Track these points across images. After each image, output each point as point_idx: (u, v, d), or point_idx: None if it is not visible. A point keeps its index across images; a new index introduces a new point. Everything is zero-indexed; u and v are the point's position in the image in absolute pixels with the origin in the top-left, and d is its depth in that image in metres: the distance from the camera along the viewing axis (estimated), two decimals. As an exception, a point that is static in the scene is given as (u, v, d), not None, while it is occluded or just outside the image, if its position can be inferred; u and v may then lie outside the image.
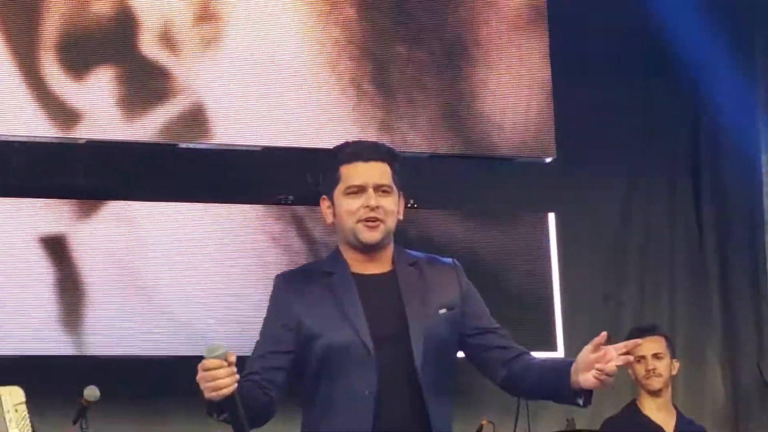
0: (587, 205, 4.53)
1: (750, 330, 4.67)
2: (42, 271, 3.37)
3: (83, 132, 3.49)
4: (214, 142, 3.67)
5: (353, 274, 1.59)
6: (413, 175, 4.01)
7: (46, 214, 3.43)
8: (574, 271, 4.29)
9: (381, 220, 1.53)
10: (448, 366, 1.61)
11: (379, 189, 1.55)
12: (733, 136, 4.70)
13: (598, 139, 4.46)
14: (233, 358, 1.22)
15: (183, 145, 3.62)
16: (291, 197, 3.58)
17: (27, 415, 2.81)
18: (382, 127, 3.87)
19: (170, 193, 3.67)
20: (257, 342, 1.60)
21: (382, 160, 1.60)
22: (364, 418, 1.47)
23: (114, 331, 3.40)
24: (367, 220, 1.53)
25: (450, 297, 1.59)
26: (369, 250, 1.58)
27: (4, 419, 2.80)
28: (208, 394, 1.22)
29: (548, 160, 4.09)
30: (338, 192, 1.56)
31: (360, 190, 1.54)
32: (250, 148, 3.73)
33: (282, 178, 3.82)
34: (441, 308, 1.55)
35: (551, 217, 4.13)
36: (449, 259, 1.73)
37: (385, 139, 3.35)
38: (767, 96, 4.67)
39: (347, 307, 1.54)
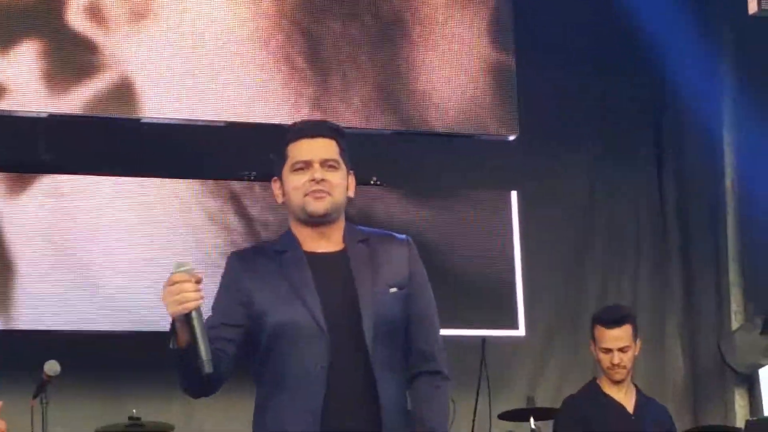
0: (551, 184, 4.53)
1: (710, 311, 4.82)
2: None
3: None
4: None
5: (305, 252, 1.60)
6: (376, 152, 4.03)
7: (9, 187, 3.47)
8: (537, 249, 4.30)
9: (327, 192, 1.55)
10: (399, 343, 1.60)
11: (325, 164, 1.57)
12: (696, 116, 4.78)
13: (562, 119, 4.51)
14: (199, 277, 1.29)
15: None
16: (254, 173, 3.58)
17: None
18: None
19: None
20: (209, 316, 1.53)
21: (328, 136, 1.63)
22: (315, 392, 1.48)
23: (72, 306, 3.44)
24: (314, 192, 1.55)
25: (400, 275, 1.60)
26: (317, 222, 1.59)
27: None
28: (173, 309, 1.26)
29: (511, 138, 4.09)
30: (286, 170, 1.58)
31: (306, 165, 1.57)
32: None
33: (222, 153, 3.86)
34: (391, 287, 1.56)
35: (514, 195, 4.14)
36: (403, 236, 1.71)
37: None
38: (731, 80, 4.77)
39: (299, 284, 1.55)
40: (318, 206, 1.55)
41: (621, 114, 4.81)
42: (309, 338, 1.50)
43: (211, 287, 1.53)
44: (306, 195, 1.55)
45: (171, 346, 1.32)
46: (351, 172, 1.66)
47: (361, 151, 3.82)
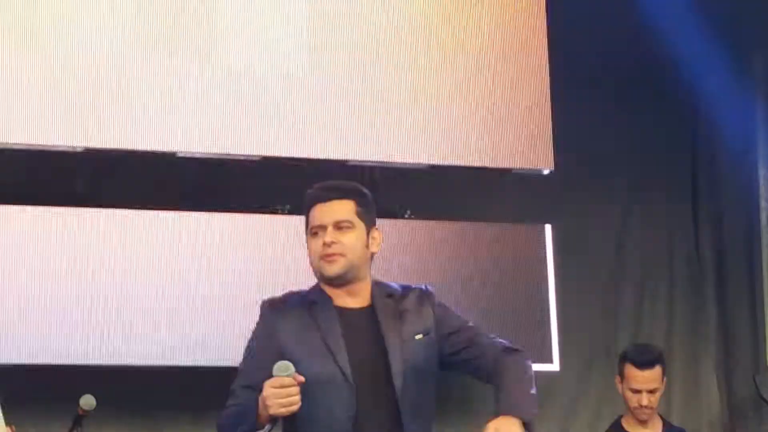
0: (586, 218, 4.51)
1: (746, 344, 4.66)
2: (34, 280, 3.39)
3: (81, 141, 3.50)
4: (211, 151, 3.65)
5: (335, 306, 1.68)
6: (412, 186, 4.05)
7: (43, 221, 3.45)
8: (571, 283, 4.26)
9: (340, 254, 1.62)
10: (427, 390, 1.68)
11: (338, 226, 1.64)
12: (730, 150, 4.68)
13: (596, 154, 4.44)
14: (302, 379, 1.37)
15: (180, 154, 3.62)
16: (288, 206, 3.57)
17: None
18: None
19: (165, 201, 3.66)
20: (242, 369, 1.69)
21: (343, 197, 1.70)
22: None
23: (106, 340, 3.41)
24: (326, 256, 1.63)
25: (425, 323, 1.67)
26: (335, 283, 1.67)
27: None
28: (277, 410, 1.36)
29: (546, 171, 4.07)
30: (308, 234, 1.68)
31: (320, 229, 1.64)
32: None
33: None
34: (417, 334, 1.63)
35: (548, 228, 4.10)
36: (423, 286, 1.82)
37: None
38: (766, 115, 4.68)
39: (329, 337, 1.62)
40: (331, 269, 1.64)
41: (655, 149, 4.69)
42: (337, 387, 1.57)
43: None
44: (321, 259, 1.64)
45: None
46: (374, 227, 1.75)
47: (395, 186, 3.98)
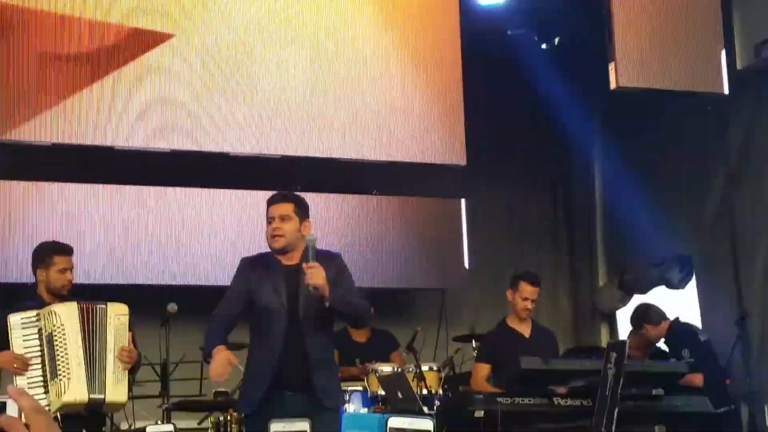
0: (488, 195, 6.25)
1: (587, 276, 6.71)
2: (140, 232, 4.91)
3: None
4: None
5: (281, 264, 2.73)
6: (377, 174, 5.75)
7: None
8: (478, 235, 5.96)
9: (280, 235, 2.64)
10: (323, 321, 2.77)
11: (281, 218, 2.66)
12: (578, 158, 6.75)
13: (495, 155, 6.26)
14: (236, 362, 2.36)
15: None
16: (298, 187, 4.73)
17: (127, 323, 3.60)
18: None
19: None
20: (222, 300, 2.77)
21: (285, 201, 2.76)
22: (277, 343, 2.63)
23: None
24: (273, 236, 2.66)
25: (329, 277, 2.61)
26: (278, 253, 2.71)
27: (106, 324, 3.59)
28: (212, 373, 2.53)
29: (462, 164, 5.57)
30: (267, 223, 2.76)
31: (272, 219, 2.68)
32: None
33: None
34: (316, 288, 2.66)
35: (463, 201, 5.86)
36: (332, 252, 2.91)
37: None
38: (600, 134, 6.50)
39: (277, 283, 2.67)
40: (276, 244, 2.66)
41: (533, 157, 6.59)
42: (278, 316, 2.63)
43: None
44: (270, 237, 2.67)
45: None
46: (306, 219, 2.73)
47: (366, 174, 5.59)
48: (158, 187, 5.20)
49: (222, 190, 5.31)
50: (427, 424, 2.28)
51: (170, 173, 5.32)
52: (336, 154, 5.36)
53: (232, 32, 5.20)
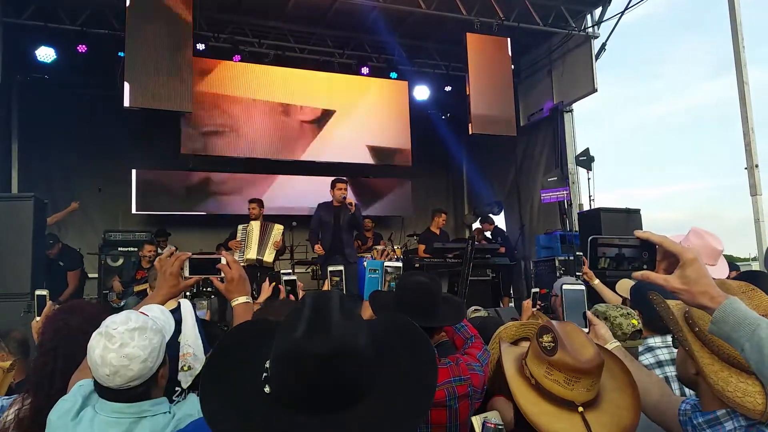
0: (425, 180, 11.54)
1: (461, 211, 11.94)
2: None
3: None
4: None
5: (333, 206, 6.85)
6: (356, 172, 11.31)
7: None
8: (419, 201, 11.25)
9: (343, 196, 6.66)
10: (349, 227, 6.78)
11: (343, 189, 6.84)
12: (456, 162, 12.21)
13: (421, 160, 11.12)
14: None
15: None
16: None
17: (281, 232, 7.80)
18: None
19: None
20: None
21: (343, 182, 6.81)
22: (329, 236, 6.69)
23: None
24: (339, 198, 6.76)
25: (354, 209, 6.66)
26: (335, 204, 6.91)
27: (271, 231, 7.64)
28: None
29: (409, 165, 10.70)
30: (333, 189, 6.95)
31: (336, 189, 6.85)
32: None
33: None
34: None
35: (409, 183, 10.92)
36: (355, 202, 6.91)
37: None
38: (465, 153, 11.72)
39: (330, 211, 6.85)
40: (337, 198, 6.85)
41: (439, 162, 11.99)
42: (328, 226, 6.79)
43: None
44: (334, 197, 6.84)
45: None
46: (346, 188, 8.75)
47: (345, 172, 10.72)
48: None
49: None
50: (399, 265, 3.39)
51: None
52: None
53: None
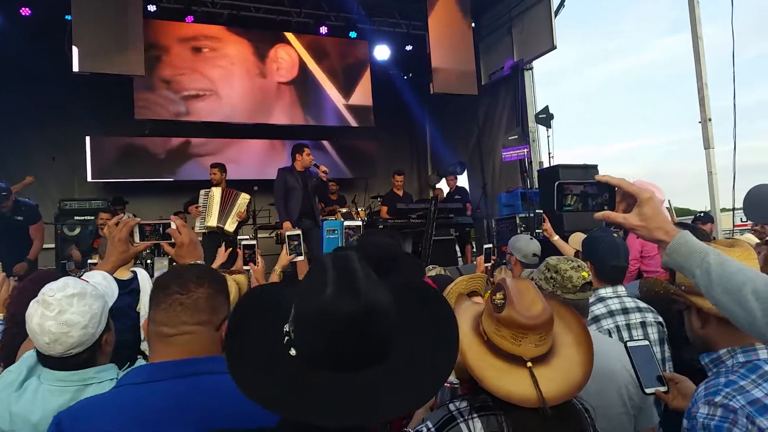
0: (386, 141, 11.65)
1: (424, 171, 12.28)
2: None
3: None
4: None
5: (298, 172, 6.78)
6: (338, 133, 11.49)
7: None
8: (383, 163, 11.42)
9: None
10: (317, 191, 6.85)
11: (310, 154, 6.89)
12: (420, 123, 12.41)
13: (388, 135, 11.28)
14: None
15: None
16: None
17: (246, 202, 7.58)
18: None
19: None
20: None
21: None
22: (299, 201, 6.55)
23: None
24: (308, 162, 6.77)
25: None
26: (302, 170, 6.83)
27: (237, 200, 7.66)
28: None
29: (373, 126, 10.75)
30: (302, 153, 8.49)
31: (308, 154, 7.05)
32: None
33: None
34: None
35: (373, 145, 11.08)
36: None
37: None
38: (427, 114, 11.68)
39: (296, 176, 6.74)
40: (303, 166, 6.90)
41: (390, 123, 11.76)
42: (298, 191, 6.62)
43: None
44: (305, 163, 6.69)
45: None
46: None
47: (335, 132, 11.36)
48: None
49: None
50: (359, 224, 4.18)
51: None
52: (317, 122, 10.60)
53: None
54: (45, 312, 1.50)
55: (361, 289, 0.99)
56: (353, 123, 10.70)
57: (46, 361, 1.54)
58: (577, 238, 3.40)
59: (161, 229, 2.07)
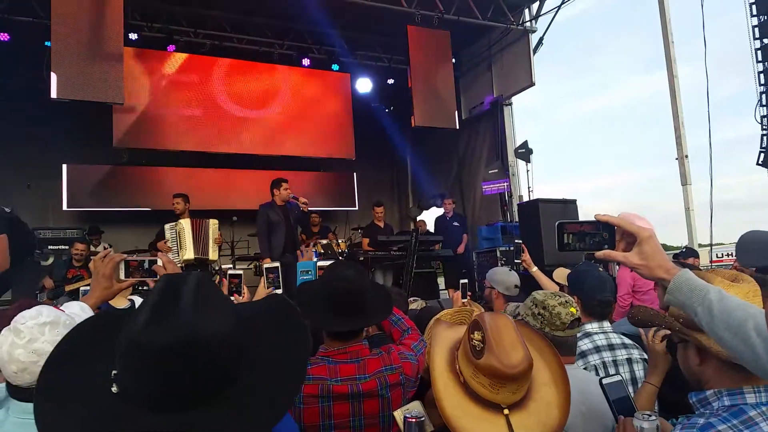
0: (370, 171, 11.46)
1: (405, 204, 12.25)
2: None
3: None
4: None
5: (279, 206, 6.59)
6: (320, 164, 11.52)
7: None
8: (363, 194, 11.19)
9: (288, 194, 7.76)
10: (298, 226, 6.93)
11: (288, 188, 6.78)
12: (401, 156, 12.28)
13: (369, 155, 11.16)
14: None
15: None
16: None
17: (216, 227, 7.30)
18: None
19: None
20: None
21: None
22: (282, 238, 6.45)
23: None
24: (286, 197, 6.72)
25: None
26: (282, 205, 6.82)
27: (209, 228, 7.44)
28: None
29: (353, 158, 10.58)
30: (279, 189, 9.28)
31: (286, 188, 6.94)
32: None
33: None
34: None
35: (356, 174, 11.26)
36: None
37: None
38: (410, 147, 11.96)
39: (279, 212, 6.62)
40: (281, 200, 6.67)
41: (382, 154, 11.82)
42: (281, 226, 6.50)
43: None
44: (284, 198, 6.59)
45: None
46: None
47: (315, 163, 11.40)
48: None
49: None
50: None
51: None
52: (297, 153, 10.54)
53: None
54: (15, 340, 1.42)
55: (181, 316, 0.87)
56: (334, 154, 10.52)
57: (15, 392, 1.47)
58: (562, 273, 3.36)
59: (146, 264, 2.02)
